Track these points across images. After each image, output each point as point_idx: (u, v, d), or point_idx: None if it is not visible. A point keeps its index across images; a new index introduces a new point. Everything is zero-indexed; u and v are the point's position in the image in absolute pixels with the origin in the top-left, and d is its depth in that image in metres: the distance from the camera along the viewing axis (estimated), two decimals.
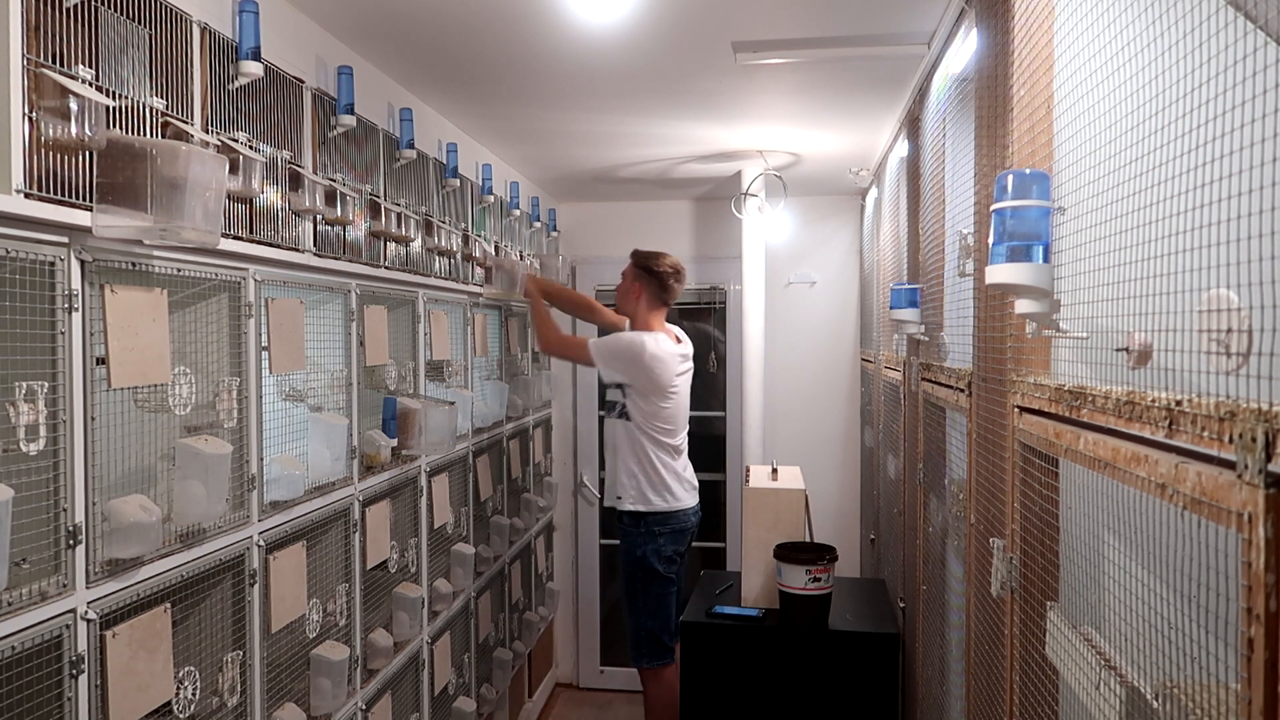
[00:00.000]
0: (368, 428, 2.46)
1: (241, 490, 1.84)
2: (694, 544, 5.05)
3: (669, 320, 3.48)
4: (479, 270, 3.34)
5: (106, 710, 1.44)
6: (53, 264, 1.35)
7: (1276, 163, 0.69)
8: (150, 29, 1.56)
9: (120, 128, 1.47)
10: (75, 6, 1.38)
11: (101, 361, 1.43)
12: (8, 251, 1.27)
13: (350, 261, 2.29)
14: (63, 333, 1.36)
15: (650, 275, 3.35)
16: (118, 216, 1.39)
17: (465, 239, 3.16)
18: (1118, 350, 1.01)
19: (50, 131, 1.31)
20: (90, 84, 1.39)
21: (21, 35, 1.28)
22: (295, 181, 2.01)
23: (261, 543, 1.90)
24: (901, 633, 2.86)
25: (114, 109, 1.45)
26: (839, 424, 4.80)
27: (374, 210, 2.42)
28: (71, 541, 1.38)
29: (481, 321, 3.42)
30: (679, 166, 3.99)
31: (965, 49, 1.88)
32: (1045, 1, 1.34)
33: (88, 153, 1.37)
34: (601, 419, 3.57)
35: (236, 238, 1.79)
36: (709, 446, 4.98)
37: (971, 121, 1.75)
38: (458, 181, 3.05)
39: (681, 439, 3.42)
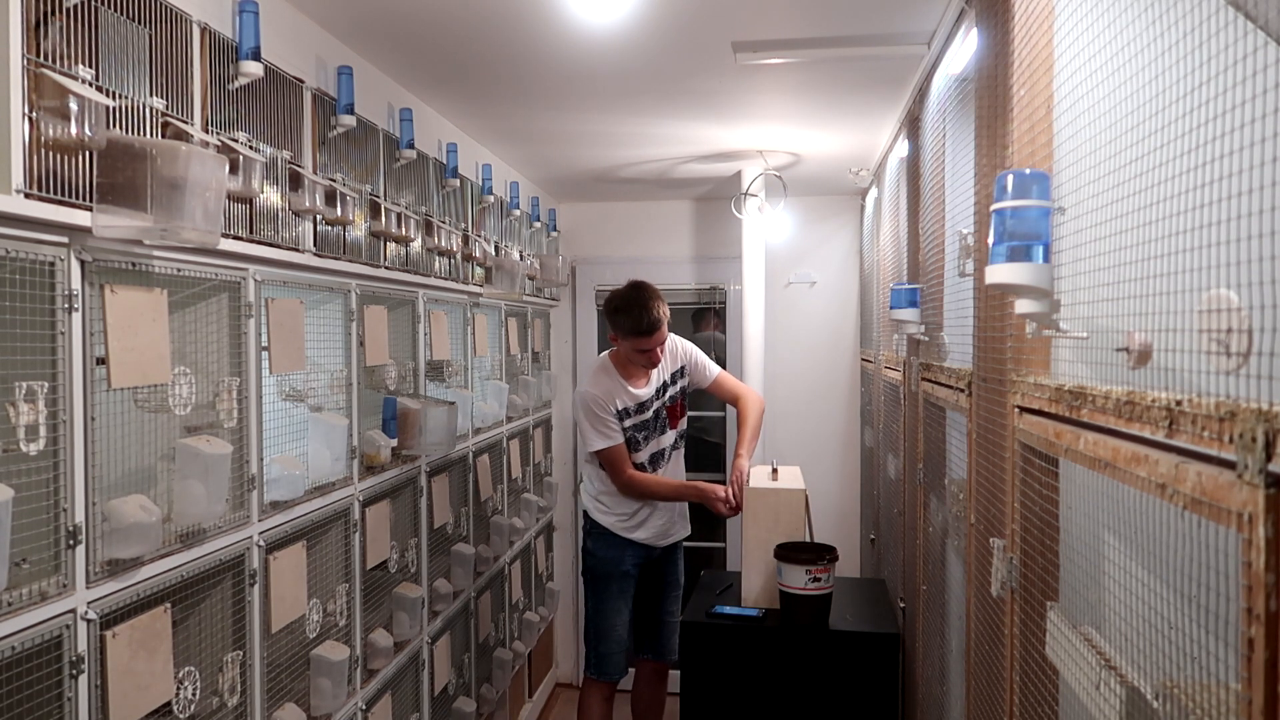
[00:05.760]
0: (368, 428, 2.46)
1: (241, 490, 1.84)
2: (693, 544, 5.09)
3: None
4: (479, 270, 3.34)
5: (106, 710, 1.44)
6: (53, 264, 1.35)
7: (1276, 163, 0.69)
8: (150, 29, 1.56)
9: (120, 128, 1.47)
10: (75, 6, 1.38)
11: (101, 361, 1.43)
12: (8, 251, 1.27)
13: (350, 261, 2.29)
14: (63, 333, 1.37)
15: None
16: (118, 216, 1.39)
17: (465, 239, 3.16)
18: (1118, 350, 1.01)
19: (50, 131, 1.31)
20: (90, 84, 1.39)
21: (21, 35, 1.28)
22: (295, 181, 2.01)
23: (261, 543, 1.90)
24: (901, 633, 2.86)
25: (114, 109, 1.45)
26: (839, 424, 4.80)
27: (374, 210, 2.42)
28: (71, 541, 1.39)
29: (482, 321, 3.42)
30: (679, 166, 3.99)
31: (965, 49, 1.88)
32: (1045, 1, 1.34)
33: (88, 153, 1.37)
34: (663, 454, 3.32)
35: (236, 238, 1.79)
36: (709, 446, 4.98)
37: (971, 121, 1.74)
38: (458, 181, 3.05)
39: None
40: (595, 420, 3.16)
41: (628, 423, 3.20)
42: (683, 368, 3.34)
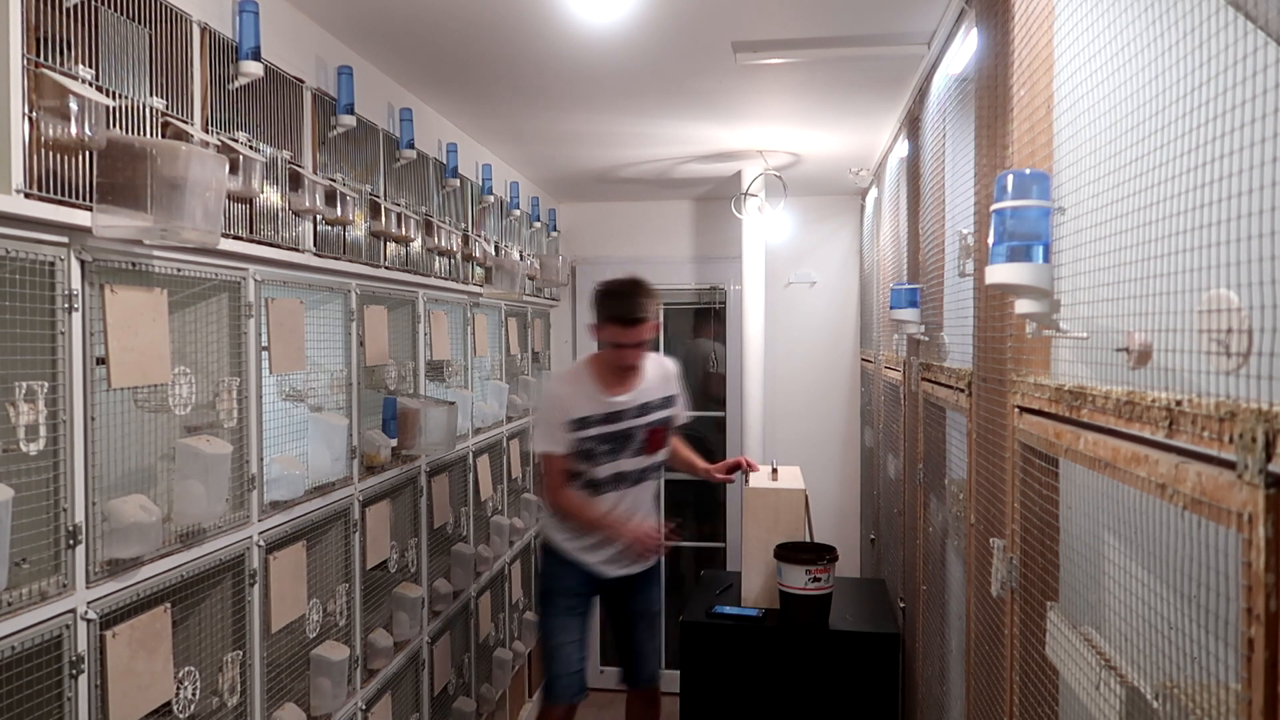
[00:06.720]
0: (368, 428, 2.46)
1: (241, 490, 1.84)
2: (693, 544, 5.11)
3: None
4: (479, 270, 3.34)
5: (106, 710, 1.44)
6: (53, 264, 1.35)
7: (1276, 163, 0.69)
8: (150, 29, 1.56)
9: (120, 128, 1.47)
10: (75, 6, 1.38)
11: (101, 361, 1.43)
12: (8, 251, 1.27)
13: (350, 261, 2.29)
14: (63, 333, 1.37)
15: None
16: (118, 216, 1.39)
17: (465, 239, 3.16)
18: (1118, 350, 1.01)
19: (50, 131, 1.31)
20: (90, 84, 1.39)
21: (21, 35, 1.28)
22: (295, 181, 2.01)
23: (261, 543, 1.90)
24: (901, 633, 2.86)
25: (114, 109, 1.45)
26: (839, 424, 4.80)
27: (374, 210, 2.42)
28: (71, 541, 1.39)
29: (482, 321, 3.42)
30: (679, 166, 3.99)
31: (965, 49, 1.88)
32: (1045, 1, 1.34)
33: (88, 153, 1.37)
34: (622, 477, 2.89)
35: (236, 238, 1.79)
36: (709, 447, 4.98)
37: (971, 121, 1.75)
38: (458, 181, 3.05)
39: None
40: (543, 421, 2.85)
41: (589, 431, 2.78)
42: (675, 397, 2.98)
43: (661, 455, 2.98)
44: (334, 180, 2.19)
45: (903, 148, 2.91)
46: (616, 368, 2.82)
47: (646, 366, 2.87)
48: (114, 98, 1.46)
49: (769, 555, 2.91)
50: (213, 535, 1.74)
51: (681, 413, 3.04)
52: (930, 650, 2.41)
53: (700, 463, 3.18)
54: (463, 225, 3.19)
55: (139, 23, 1.53)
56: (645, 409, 2.88)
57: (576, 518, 2.87)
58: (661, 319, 3.07)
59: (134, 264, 1.52)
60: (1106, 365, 1.09)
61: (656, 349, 3.60)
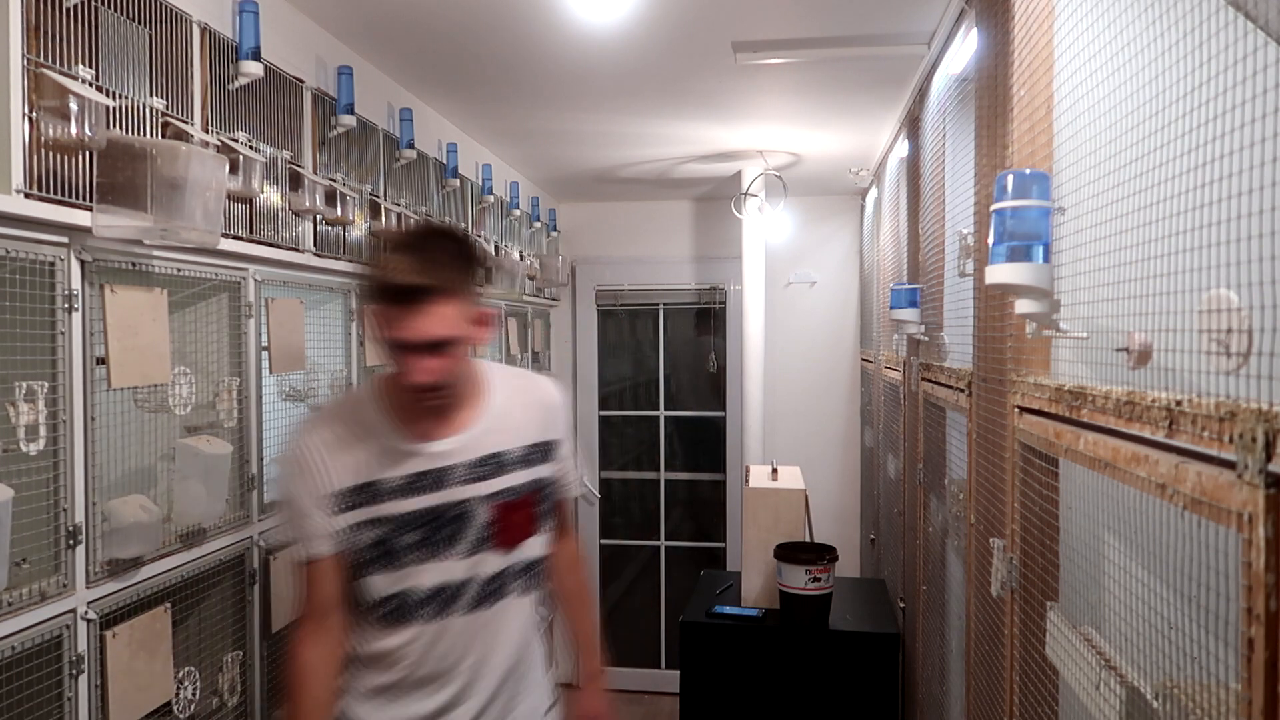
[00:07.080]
0: None
1: (242, 490, 1.84)
2: (694, 544, 5.09)
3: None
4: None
5: (106, 710, 1.44)
6: (53, 264, 1.35)
7: (1276, 163, 0.69)
8: (150, 29, 1.56)
9: (120, 128, 1.47)
10: (75, 6, 1.38)
11: (101, 361, 1.43)
12: (8, 251, 1.27)
13: (350, 261, 2.29)
14: (63, 333, 1.37)
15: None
16: (118, 216, 1.39)
17: None
18: (1118, 350, 1.01)
19: (50, 131, 1.31)
20: (90, 84, 1.39)
21: (21, 35, 1.28)
22: (295, 181, 2.01)
23: (262, 542, 1.90)
24: (901, 633, 2.86)
25: (114, 109, 1.45)
26: (839, 424, 4.80)
27: (374, 210, 2.42)
28: (71, 541, 1.39)
29: None
30: (679, 166, 3.99)
31: (965, 49, 1.88)
32: (1045, 1, 1.34)
33: (88, 153, 1.38)
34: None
35: (236, 238, 1.79)
36: (709, 446, 4.98)
37: (971, 121, 1.75)
38: (458, 181, 3.05)
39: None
40: (286, 504, 1.48)
41: (379, 509, 1.43)
42: (556, 445, 1.59)
43: (528, 552, 1.56)
44: (334, 180, 2.19)
45: (903, 148, 2.91)
46: (407, 389, 1.40)
47: (496, 389, 1.54)
48: (114, 98, 1.46)
49: (769, 555, 2.91)
50: (213, 535, 1.74)
51: (572, 477, 1.65)
52: (930, 650, 2.41)
53: (586, 651, 1.89)
54: (463, 225, 3.19)
55: (139, 23, 1.53)
56: (492, 465, 1.50)
57: (289, 704, 1.47)
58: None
59: (134, 264, 1.52)
60: (1106, 365, 1.09)
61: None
